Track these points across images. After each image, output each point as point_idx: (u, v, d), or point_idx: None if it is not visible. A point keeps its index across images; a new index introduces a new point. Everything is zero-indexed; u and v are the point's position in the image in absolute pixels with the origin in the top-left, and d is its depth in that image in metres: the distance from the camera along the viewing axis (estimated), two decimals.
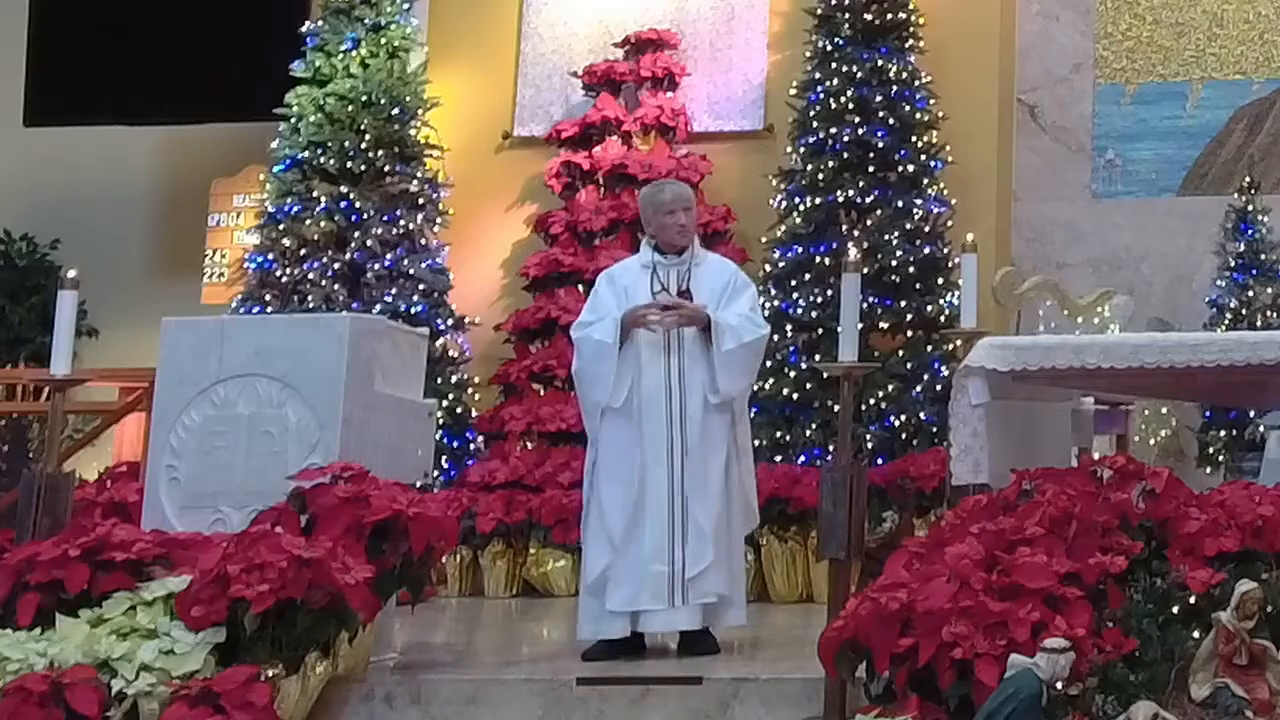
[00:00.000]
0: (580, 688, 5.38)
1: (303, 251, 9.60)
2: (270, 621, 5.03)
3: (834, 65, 9.46)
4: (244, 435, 5.92)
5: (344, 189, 9.72)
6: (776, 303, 9.07)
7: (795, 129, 9.54)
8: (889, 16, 9.54)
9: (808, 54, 9.66)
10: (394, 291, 9.49)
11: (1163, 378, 5.72)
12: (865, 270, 8.31)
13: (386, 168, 9.79)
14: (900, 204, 9.24)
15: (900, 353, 8.99)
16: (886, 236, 9.12)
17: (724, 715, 5.27)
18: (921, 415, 8.75)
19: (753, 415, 8.45)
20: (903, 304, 9.05)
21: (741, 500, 6.24)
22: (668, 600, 5.97)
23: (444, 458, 9.18)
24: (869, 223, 9.20)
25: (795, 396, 8.86)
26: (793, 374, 8.89)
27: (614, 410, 6.08)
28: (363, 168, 9.77)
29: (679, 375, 6.09)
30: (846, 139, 9.29)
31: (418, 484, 6.37)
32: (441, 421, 8.57)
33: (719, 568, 6.06)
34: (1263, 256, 9.35)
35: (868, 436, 8.66)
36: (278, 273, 9.58)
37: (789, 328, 9.04)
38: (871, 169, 9.30)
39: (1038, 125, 10.27)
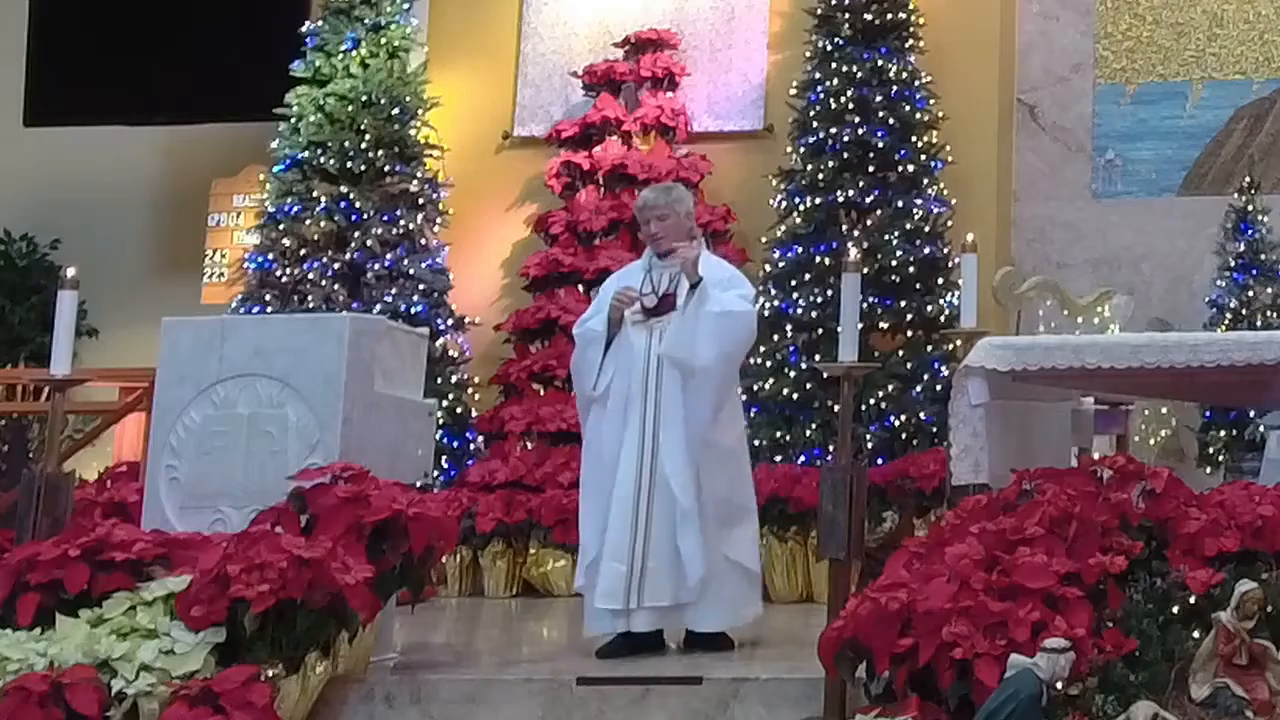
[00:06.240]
0: (580, 688, 5.38)
1: (303, 251, 9.60)
2: (270, 621, 5.03)
3: (834, 65, 9.46)
4: (244, 435, 5.92)
5: (344, 189, 9.72)
6: (776, 303, 9.07)
7: (795, 129, 9.54)
8: (889, 16, 9.54)
9: (808, 54, 9.66)
10: (394, 291, 9.49)
11: (1163, 378, 5.72)
12: (865, 270, 8.30)
13: (386, 168, 9.79)
14: (900, 204, 9.23)
15: (900, 353, 8.99)
16: (886, 236, 9.11)
17: (724, 715, 5.26)
18: (921, 415, 8.74)
19: (753, 415, 8.54)
20: (903, 304, 9.05)
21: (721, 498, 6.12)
22: (624, 600, 5.90)
23: (444, 458, 9.18)
24: (869, 223, 9.20)
25: (795, 396, 8.85)
26: (793, 374, 8.89)
27: (599, 404, 6.09)
28: (363, 168, 9.77)
29: (657, 376, 6.06)
30: (846, 139, 9.29)
31: (418, 484, 6.37)
32: (441, 421, 8.56)
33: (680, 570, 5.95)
34: (1263, 256, 9.35)
35: (868, 436, 8.66)
36: (278, 273, 9.58)
37: (789, 328, 9.04)
38: (871, 169, 9.30)
39: (1038, 125, 10.26)
